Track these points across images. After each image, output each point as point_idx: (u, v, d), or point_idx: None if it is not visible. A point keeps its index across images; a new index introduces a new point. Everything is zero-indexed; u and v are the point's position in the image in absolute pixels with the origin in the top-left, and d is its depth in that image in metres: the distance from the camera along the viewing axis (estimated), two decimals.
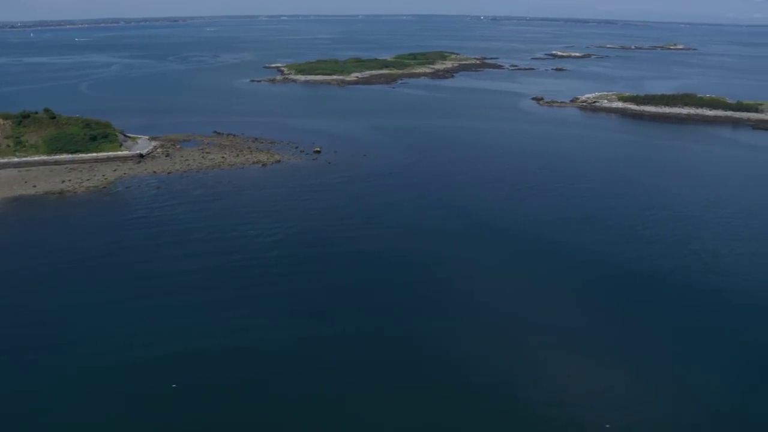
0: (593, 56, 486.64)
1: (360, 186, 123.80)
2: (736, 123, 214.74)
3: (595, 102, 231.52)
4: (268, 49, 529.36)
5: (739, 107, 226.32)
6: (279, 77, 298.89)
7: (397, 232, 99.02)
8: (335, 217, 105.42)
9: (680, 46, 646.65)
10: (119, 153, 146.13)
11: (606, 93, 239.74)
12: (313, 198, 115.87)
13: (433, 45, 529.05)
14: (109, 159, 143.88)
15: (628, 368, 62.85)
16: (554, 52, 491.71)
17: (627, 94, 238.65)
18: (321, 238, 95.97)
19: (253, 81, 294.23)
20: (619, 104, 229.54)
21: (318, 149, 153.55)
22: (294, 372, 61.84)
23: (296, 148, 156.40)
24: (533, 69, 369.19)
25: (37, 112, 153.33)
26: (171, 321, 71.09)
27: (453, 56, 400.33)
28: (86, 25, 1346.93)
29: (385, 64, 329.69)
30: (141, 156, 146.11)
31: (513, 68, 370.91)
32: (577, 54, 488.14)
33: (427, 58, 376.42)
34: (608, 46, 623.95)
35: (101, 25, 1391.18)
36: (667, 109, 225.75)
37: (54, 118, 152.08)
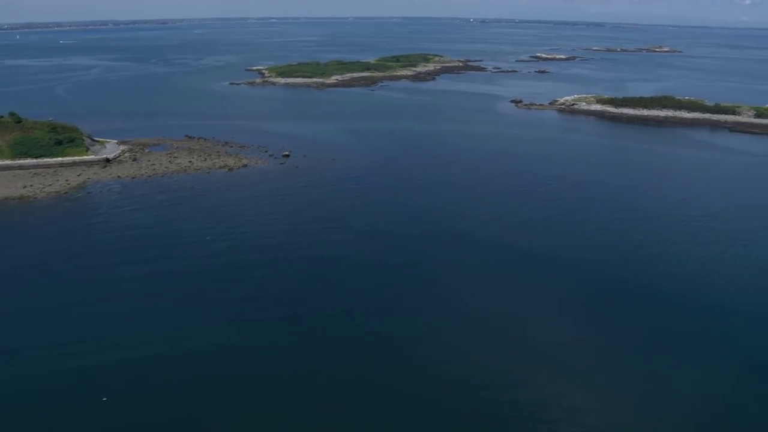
0: (578, 58, 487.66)
1: (323, 190, 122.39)
2: (713, 125, 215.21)
3: (573, 104, 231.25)
4: (253, 51, 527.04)
5: (717, 109, 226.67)
6: (258, 80, 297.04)
7: (356, 237, 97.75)
8: (293, 222, 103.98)
9: (666, 49, 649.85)
10: (85, 158, 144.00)
11: (585, 95, 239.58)
12: (273, 203, 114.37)
13: (419, 47, 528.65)
14: (74, 164, 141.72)
15: (579, 374, 61.81)
16: (539, 54, 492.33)
17: (606, 96, 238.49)
18: (276, 244, 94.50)
19: (232, 84, 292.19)
20: (598, 107, 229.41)
21: (287, 153, 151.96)
22: (235, 380, 60.42)
23: (265, 152, 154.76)
24: (516, 71, 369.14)
25: (2, 116, 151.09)
26: (116, 328, 69.70)
27: (437, 58, 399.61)
28: (74, 27, 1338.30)
29: (367, 67, 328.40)
30: (107, 160, 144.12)
31: (496, 71, 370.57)
32: (562, 56, 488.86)
33: (410, 60, 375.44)
34: (594, 48, 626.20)
35: (90, 27, 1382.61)
36: (645, 112, 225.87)
37: (20, 122, 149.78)
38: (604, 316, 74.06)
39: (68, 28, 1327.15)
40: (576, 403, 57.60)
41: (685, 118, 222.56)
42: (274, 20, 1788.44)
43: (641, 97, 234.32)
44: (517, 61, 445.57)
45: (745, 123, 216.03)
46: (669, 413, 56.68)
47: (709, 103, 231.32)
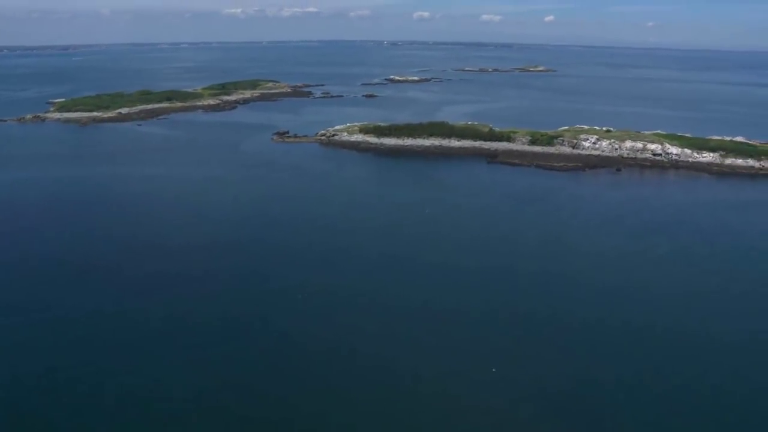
0: (432, 80, 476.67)
1: None
2: (479, 155, 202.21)
3: (333, 135, 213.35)
4: (102, 80, 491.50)
5: (492, 136, 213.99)
6: (29, 116, 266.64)
7: None
8: None
9: (540, 68, 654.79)
10: None
11: (350, 125, 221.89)
12: None
13: (285, 71, 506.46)
14: None
15: None
16: (392, 76, 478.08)
17: (373, 124, 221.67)
18: None
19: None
20: (359, 137, 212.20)
21: None
22: None
23: None
24: (342, 96, 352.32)
25: None
26: None
27: (269, 84, 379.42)
28: None
29: (168, 97, 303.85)
30: None
31: (322, 96, 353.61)
32: (415, 78, 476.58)
33: (235, 87, 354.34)
34: (467, 69, 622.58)
35: None
36: (409, 141, 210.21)
37: None
38: None
39: None
40: None
41: (452, 147, 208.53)
42: (185, 45, 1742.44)
43: (408, 124, 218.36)
44: (363, 84, 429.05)
45: (514, 152, 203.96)
46: None
47: (488, 128, 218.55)
